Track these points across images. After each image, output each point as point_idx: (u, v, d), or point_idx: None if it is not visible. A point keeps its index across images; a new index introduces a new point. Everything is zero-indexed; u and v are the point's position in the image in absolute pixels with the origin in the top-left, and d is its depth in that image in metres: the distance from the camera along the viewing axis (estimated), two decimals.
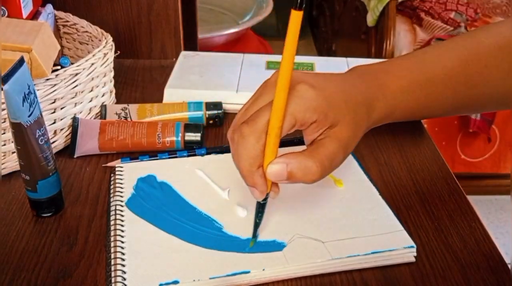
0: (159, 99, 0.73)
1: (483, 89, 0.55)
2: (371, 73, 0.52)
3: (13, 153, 0.59)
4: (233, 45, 1.97)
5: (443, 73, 0.54)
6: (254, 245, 0.49)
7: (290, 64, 0.42)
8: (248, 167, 0.44)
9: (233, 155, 0.46)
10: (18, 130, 0.49)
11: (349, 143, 0.46)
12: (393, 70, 0.53)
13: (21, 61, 0.48)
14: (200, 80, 0.75)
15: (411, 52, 0.57)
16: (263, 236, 0.49)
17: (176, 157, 0.61)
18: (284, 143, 0.64)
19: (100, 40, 0.72)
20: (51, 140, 0.62)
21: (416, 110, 0.54)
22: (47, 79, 0.59)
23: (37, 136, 0.50)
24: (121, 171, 0.57)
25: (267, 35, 2.53)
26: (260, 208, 0.48)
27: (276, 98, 0.42)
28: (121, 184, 0.56)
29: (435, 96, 0.54)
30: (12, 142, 0.55)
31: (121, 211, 0.52)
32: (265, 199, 0.47)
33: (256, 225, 0.49)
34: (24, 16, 0.70)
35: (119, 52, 0.85)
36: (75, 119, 0.63)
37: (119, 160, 0.61)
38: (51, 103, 0.60)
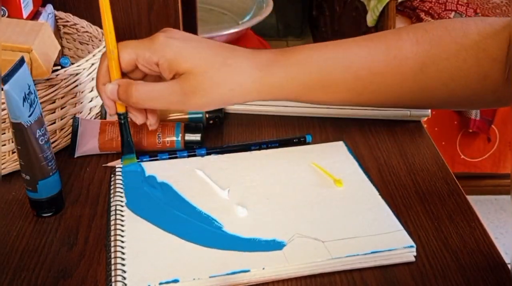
0: None
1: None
2: (268, 52, 0.55)
3: (13, 152, 0.59)
4: (233, 45, 1.97)
5: (350, 70, 0.55)
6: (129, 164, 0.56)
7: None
8: (96, 83, 0.55)
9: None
10: (19, 130, 0.49)
11: (194, 91, 0.51)
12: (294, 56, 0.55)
13: (21, 61, 0.48)
14: None
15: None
16: (263, 235, 0.49)
17: (176, 157, 0.61)
18: (283, 142, 0.64)
19: (100, 40, 0.72)
20: (51, 140, 0.62)
21: (312, 87, 0.55)
22: (47, 79, 0.59)
23: (37, 136, 0.50)
24: (121, 171, 0.58)
25: (267, 35, 2.53)
26: (121, 127, 0.56)
27: (103, 23, 0.52)
28: (121, 184, 0.56)
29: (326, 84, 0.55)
30: (12, 142, 0.55)
31: (121, 211, 0.52)
32: (124, 118, 0.56)
33: (123, 143, 0.57)
34: (25, 16, 0.70)
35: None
36: (75, 119, 0.63)
37: (119, 160, 0.61)
38: (51, 103, 0.60)
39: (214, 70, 0.51)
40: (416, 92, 0.56)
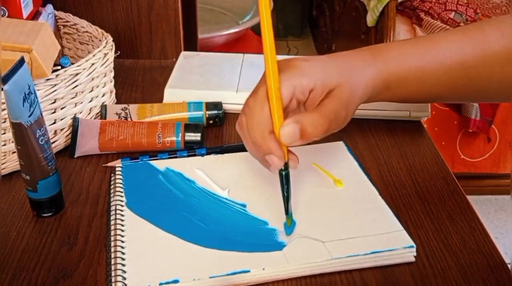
0: (159, 99, 0.73)
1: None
2: (366, 49, 0.55)
3: (13, 152, 0.59)
4: (233, 45, 1.97)
5: (444, 64, 0.55)
6: (291, 225, 0.50)
7: (270, 30, 0.45)
8: (260, 134, 0.47)
9: (247, 129, 0.48)
10: (19, 130, 0.49)
11: (349, 101, 0.50)
12: (389, 49, 0.55)
13: (21, 62, 0.48)
14: (200, 80, 0.75)
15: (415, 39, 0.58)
16: (262, 235, 0.49)
17: (176, 157, 0.61)
18: None
19: (100, 40, 0.72)
20: (52, 140, 0.62)
21: (410, 79, 0.55)
22: (48, 79, 0.59)
23: (37, 136, 0.50)
24: (121, 171, 0.58)
25: None
26: (285, 180, 0.48)
27: (266, 65, 0.46)
28: (121, 184, 0.56)
29: (428, 73, 0.55)
30: (12, 142, 0.55)
31: (121, 211, 0.52)
32: (286, 169, 0.48)
33: (286, 199, 0.49)
34: (25, 16, 0.70)
35: (119, 52, 0.86)
36: (75, 119, 0.63)
37: (119, 160, 0.61)
38: (51, 103, 0.60)
39: (351, 76, 0.51)
40: (503, 85, 0.56)
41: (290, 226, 0.50)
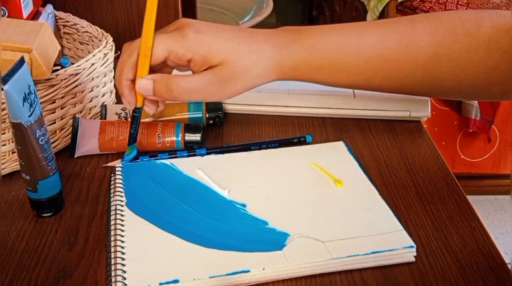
0: None
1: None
2: (286, 33, 0.57)
3: (13, 152, 0.59)
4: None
5: (361, 56, 0.56)
6: (129, 153, 0.58)
7: None
8: (117, 77, 0.54)
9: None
10: (19, 130, 0.49)
11: (229, 79, 0.53)
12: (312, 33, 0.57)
13: (21, 61, 0.48)
14: None
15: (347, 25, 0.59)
16: (262, 235, 0.49)
17: (176, 157, 0.61)
18: (283, 142, 0.64)
19: (100, 40, 0.72)
20: (52, 140, 0.62)
21: (324, 68, 0.56)
22: (48, 79, 0.59)
23: (37, 136, 0.50)
24: (121, 171, 0.58)
25: None
26: (134, 120, 0.57)
27: (145, 21, 0.51)
28: (121, 183, 0.56)
29: (344, 62, 0.57)
30: (13, 142, 0.55)
31: (121, 211, 0.52)
32: (138, 112, 0.56)
33: (131, 135, 0.58)
34: (25, 16, 0.70)
35: (119, 52, 0.85)
36: (75, 119, 0.63)
37: (119, 160, 0.61)
38: (51, 103, 0.60)
39: (243, 58, 0.53)
40: (426, 81, 0.57)
41: (129, 153, 0.59)
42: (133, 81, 0.54)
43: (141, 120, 0.66)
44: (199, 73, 0.53)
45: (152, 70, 0.54)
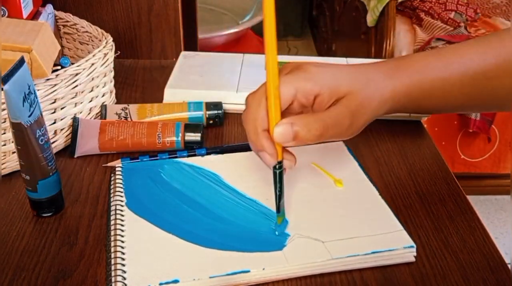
0: (159, 99, 0.73)
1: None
2: (387, 62, 0.55)
3: (13, 153, 0.59)
4: (233, 45, 1.97)
5: (467, 75, 0.55)
6: (281, 224, 0.50)
7: (273, 27, 0.46)
8: (253, 130, 0.47)
9: (244, 125, 0.49)
10: (19, 130, 0.49)
11: (357, 111, 0.50)
12: (411, 63, 0.55)
13: (21, 61, 0.48)
14: (200, 80, 0.75)
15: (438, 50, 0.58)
16: (263, 235, 0.49)
17: (176, 157, 0.61)
18: None
19: (100, 40, 0.72)
20: (51, 141, 0.62)
21: (434, 92, 0.55)
22: (47, 79, 0.59)
23: (37, 136, 0.50)
24: (121, 171, 0.58)
25: None
26: (278, 178, 0.48)
27: (267, 62, 0.45)
28: (121, 184, 0.56)
29: (450, 84, 0.55)
30: (12, 142, 0.55)
31: (121, 211, 0.52)
32: (280, 167, 0.48)
33: (278, 198, 0.49)
34: (24, 16, 0.70)
35: (119, 52, 0.86)
36: (75, 119, 0.63)
37: (119, 160, 0.61)
38: (51, 103, 0.60)
39: (366, 87, 0.51)
40: None
41: (280, 224, 0.50)
42: (267, 132, 0.48)
43: (141, 121, 0.66)
44: (331, 107, 0.49)
45: None
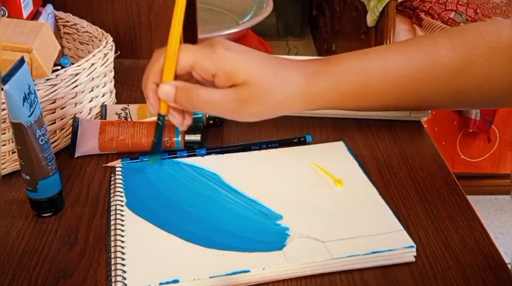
0: None
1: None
2: (312, 62, 0.57)
3: (13, 152, 0.59)
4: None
5: (389, 78, 0.56)
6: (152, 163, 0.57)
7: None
8: (145, 79, 0.54)
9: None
10: (19, 130, 0.49)
11: (249, 100, 0.53)
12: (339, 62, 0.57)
13: (21, 62, 0.48)
14: None
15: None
16: (263, 235, 0.49)
17: (176, 157, 0.61)
18: (283, 142, 0.64)
19: (100, 41, 0.72)
20: (52, 140, 0.62)
21: (354, 94, 0.57)
22: (48, 79, 0.59)
23: (37, 136, 0.50)
24: (121, 171, 0.58)
25: (267, 35, 2.53)
26: (157, 128, 0.56)
27: (172, 25, 0.52)
28: (121, 183, 0.56)
29: (372, 87, 0.57)
30: (13, 142, 0.55)
31: (121, 211, 0.52)
32: (161, 120, 0.55)
33: (153, 145, 0.57)
34: (25, 16, 0.70)
35: (119, 52, 0.86)
36: (75, 119, 0.63)
37: (119, 160, 0.61)
38: (51, 103, 0.60)
39: (267, 81, 0.53)
40: (452, 96, 0.58)
41: (151, 164, 0.58)
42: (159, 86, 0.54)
43: (141, 121, 0.66)
44: (221, 89, 0.53)
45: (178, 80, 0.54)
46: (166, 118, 0.55)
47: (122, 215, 0.52)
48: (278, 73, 0.54)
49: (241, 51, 0.54)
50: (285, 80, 0.54)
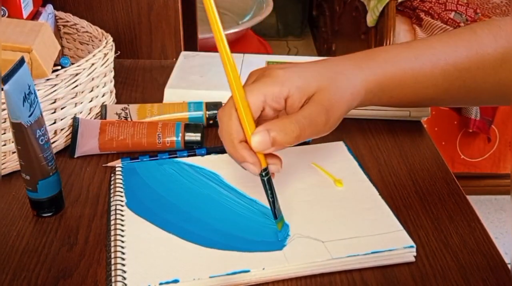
0: (159, 99, 0.73)
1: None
2: (357, 54, 0.55)
3: (13, 153, 0.59)
4: (233, 45, 1.96)
5: (438, 66, 0.55)
6: (282, 229, 0.50)
7: (223, 39, 0.45)
8: (230, 143, 0.47)
9: (221, 139, 0.49)
10: (19, 130, 0.49)
11: (331, 105, 0.49)
12: (380, 54, 0.55)
13: (21, 62, 0.48)
14: (200, 80, 0.75)
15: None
16: (263, 235, 0.49)
17: (176, 157, 0.61)
18: None
19: (100, 41, 0.72)
20: (52, 141, 0.62)
21: (406, 81, 0.55)
22: (48, 80, 0.59)
23: (37, 136, 0.50)
24: (121, 171, 0.58)
25: (267, 35, 2.53)
26: (267, 186, 0.48)
27: (227, 75, 0.45)
28: (121, 183, 0.56)
29: (423, 74, 0.55)
30: (13, 142, 0.55)
31: (121, 211, 0.52)
32: (266, 174, 0.48)
33: (272, 204, 0.49)
34: (25, 16, 0.70)
35: (119, 52, 0.86)
36: (75, 119, 0.63)
37: (119, 160, 0.61)
38: (51, 103, 0.60)
39: (335, 81, 0.51)
40: (496, 88, 0.57)
41: (281, 230, 0.49)
42: (245, 142, 0.48)
43: (141, 121, 0.66)
44: (304, 108, 0.48)
45: None
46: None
47: (122, 215, 0.52)
48: (337, 70, 0.52)
49: (292, 66, 0.51)
50: (346, 74, 0.52)
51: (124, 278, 0.44)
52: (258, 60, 0.81)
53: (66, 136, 0.64)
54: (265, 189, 0.49)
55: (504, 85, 0.57)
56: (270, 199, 0.49)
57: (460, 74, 0.56)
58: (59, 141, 0.63)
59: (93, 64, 0.64)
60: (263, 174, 0.48)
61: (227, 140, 0.47)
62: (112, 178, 0.57)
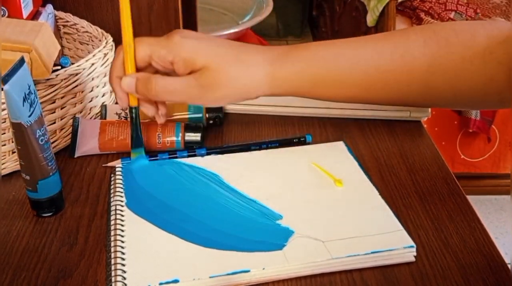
0: None
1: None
2: (279, 48, 0.57)
3: (13, 152, 0.59)
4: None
5: (357, 66, 0.56)
6: (136, 157, 0.57)
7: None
8: (110, 75, 0.56)
9: None
10: (19, 130, 0.49)
11: (212, 85, 0.53)
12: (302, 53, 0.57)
13: (21, 62, 0.48)
14: None
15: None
16: (263, 235, 0.49)
17: (176, 157, 0.61)
18: (283, 142, 0.64)
19: (100, 40, 0.72)
20: (51, 140, 0.62)
21: (320, 82, 0.56)
22: (48, 79, 0.59)
23: (37, 136, 0.50)
24: (121, 171, 0.58)
25: (267, 35, 2.53)
26: (131, 121, 0.57)
27: (122, 20, 0.55)
28: (121, 183, 0.56)
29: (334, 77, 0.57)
30: (13, 142, 0.55)
31: (121, 211, 0.52)
32: (133, 112, 0.57)
33: (132, 138, 0.58)
34: (24, 16, 0.70)
35: None
36: (75, 119, 0.63)
37: (119, 160, 0.61)
38: (51, 103, 0.60)
39: (228, 65, 0.53)
40: (422, 92, 0.57)
41: (135, 158, 0.58)
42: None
43: (141, 121, 0.66)
44: (182, 77, 0.54)
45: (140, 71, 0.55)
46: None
47: (122, 215, 0.52)
48: (240, 57, 0.54)
49: (199, 37, 0.55)
50: (249, 64, 0.54)
51: (124, 278, 0.44)
52: None
53: (66, 136, 0.64)
54: (131, 123, 0.57)
55: (433, 89, 0.57)
56: (134, 131, 0.57)
57: (382, 76, 0.56)
58: (59, 141, 0.63)
59: (93, 64, 0.64)
60: (133, 110, 0.56)
61: (110, 71, 0.56)
62: (112, 178, 0.57)
